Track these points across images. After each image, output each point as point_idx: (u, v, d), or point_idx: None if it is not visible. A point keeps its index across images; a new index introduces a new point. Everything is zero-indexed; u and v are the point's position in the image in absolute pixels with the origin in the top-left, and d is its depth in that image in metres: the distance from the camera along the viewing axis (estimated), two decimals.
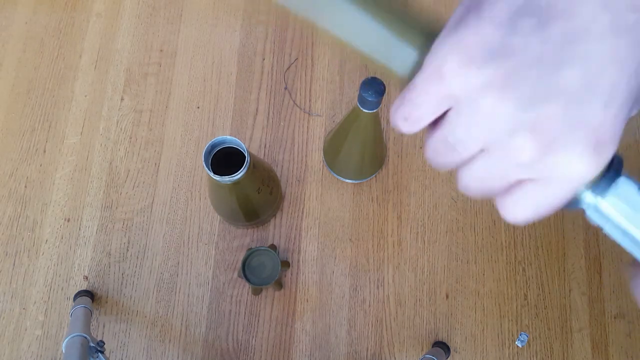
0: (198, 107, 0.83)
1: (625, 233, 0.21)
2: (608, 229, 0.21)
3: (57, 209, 0.78)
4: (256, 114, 0.82)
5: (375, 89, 0.53)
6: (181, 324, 0.74)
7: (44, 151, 0.81)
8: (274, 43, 0.86)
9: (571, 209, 0.22)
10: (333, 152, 0.73)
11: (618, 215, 0.21)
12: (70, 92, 0.84)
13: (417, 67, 0.23)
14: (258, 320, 0.74)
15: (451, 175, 0.80)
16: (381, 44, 0.23)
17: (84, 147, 0.81)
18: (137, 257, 0.76)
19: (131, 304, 0.74)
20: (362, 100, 0.55)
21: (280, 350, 0.73)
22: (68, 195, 0.79)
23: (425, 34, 0.23)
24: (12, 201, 0.78)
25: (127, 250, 0.76)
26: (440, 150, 0.23)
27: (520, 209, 0.22)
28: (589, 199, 0.21)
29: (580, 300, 0.75)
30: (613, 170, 0.21)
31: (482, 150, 0.22)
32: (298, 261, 0.76)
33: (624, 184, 0.21)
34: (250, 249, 0.72)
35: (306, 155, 0.80)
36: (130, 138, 0.81)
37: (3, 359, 0.72)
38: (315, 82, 0.84)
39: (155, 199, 0.78)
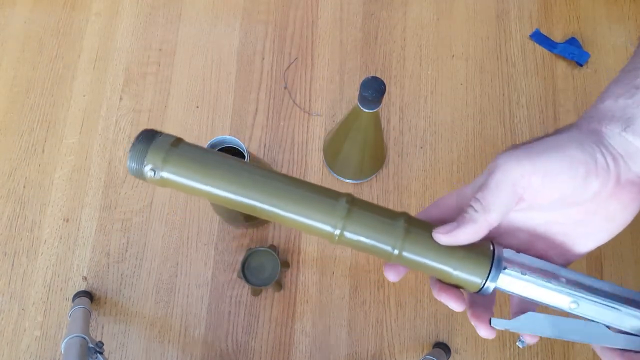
0: (197, 107, 0.82)
1: (522, 296, 0.30)
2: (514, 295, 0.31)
3: (56, 209, 0.78)
4: (256, 114, 0.82)
5: (375, 88, 0.53)
6: (180, 325, 0.73)
7: (43, 151, 0.80)
8: (274, 42, 0.86)
9: (484, 295, 0.31)
10: (333, 152, 0.73)
11: (512, 289, 0.30)
12: (69, 92, 0.83)
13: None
14: (257, 321, 0.73)
15: (452, 175, 0.79)
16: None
17: (83, 147, 0.81)
18: (136, 258, 0.76)
19: (130, 304, 0.74)
20: (362, 100, 0.55)
21: (279, 352, 0.72)
22: (67, 195, 0.78)
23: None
24: (11, 201, 0.78)
25: (126, 250, 0.76)
26: None
27: None
28: (489, 285, 0.30)
29: None
30: (496, 261, 0.30)
31: None
32: (298, 262, 0.75)
33: (504, 274, 0.30)
34: (250, 249, 0.72)
35: (306, 155, 0.80)
36: (129, 138, 0.81)
37: None
38: (315, 81, 0.83)
39: (154, 199, 0.78)
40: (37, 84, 0.84)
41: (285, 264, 0.74)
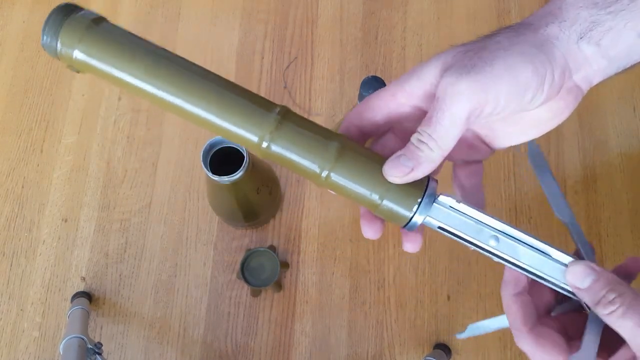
0: None
1: (451, 233, 0.31)
2: (443, 232, 0.31)
3: (55, 209, 0.77)
4: None
5: (375, 87, 0.53)
6: (179, 326, 0.73)
7: (41, 151, 0.80)
8: (273, 41, 0.85)
9: (411, 229, 0.31)
10: None
11: (442, 224, 0.30)
12: (68, 92, 0.83)
13: None
14: (257, 322, 0.73)
15: (451, 174, 0.79)
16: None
17: (81, 146, 0.80)
18: (135, 258, 0.75)
19: (129, 305, 0.74)
20: (362, 99, 0.55)
21: (279, 353, 0.72)
22: (65, 195, 0.78)
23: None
24: (10, 201, 0.78)
25: (125, 251, 0.76)
26: None
27: None
28: (418, 219, 0.30)
29: None
30: (430, 193, 0.30)
31: None
32: (297, 262, 0.75)
33: (436, 207, 0.30)
34: (249, 249, 0.72)
35: None
36: (128, 138, 0.81)
37: None
38: (315, 80, 0.83)
39: (153, 199, 0.78)
40: (36, 83, 0.83)
41: (285, 265, 0.74)
